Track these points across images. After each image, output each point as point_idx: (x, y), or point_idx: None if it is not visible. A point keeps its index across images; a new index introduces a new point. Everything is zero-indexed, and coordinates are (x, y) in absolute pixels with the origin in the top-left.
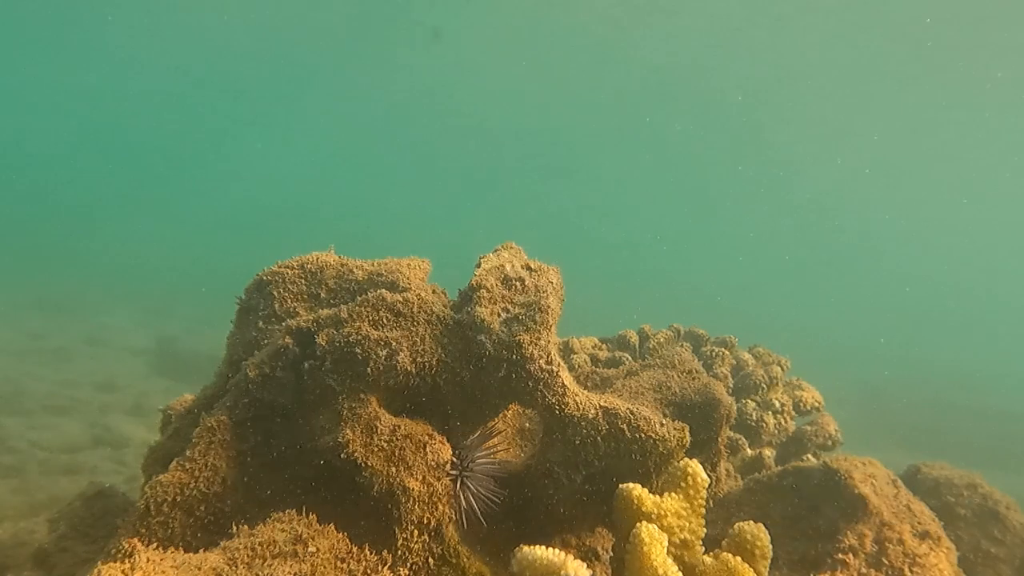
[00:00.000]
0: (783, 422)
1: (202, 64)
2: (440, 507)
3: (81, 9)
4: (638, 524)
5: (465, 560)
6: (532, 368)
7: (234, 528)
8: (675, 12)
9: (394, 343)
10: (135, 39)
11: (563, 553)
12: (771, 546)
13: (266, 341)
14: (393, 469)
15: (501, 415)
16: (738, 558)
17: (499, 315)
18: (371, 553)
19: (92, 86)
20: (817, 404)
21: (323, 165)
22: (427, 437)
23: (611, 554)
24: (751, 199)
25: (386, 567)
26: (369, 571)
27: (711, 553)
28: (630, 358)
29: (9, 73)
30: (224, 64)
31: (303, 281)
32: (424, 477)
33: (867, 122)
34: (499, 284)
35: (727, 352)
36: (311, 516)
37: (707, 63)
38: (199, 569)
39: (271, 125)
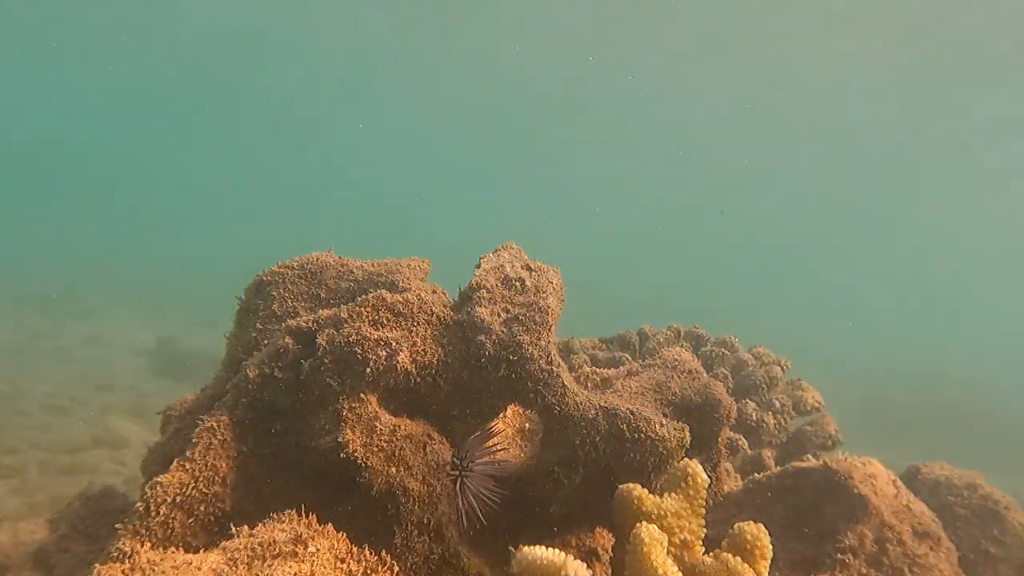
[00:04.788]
0: (783, 422)
1: (196, 64)
2: (440, 507)
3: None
4: (638, 524)
5: (465, 560)
6: (532, 368)
7: (234, 528)
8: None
9: (394, 343)
10: (137, 30)
11: (563, 553)
12: (771, 546)
13: (266, 341)
14: (393, 469)
15: (501, 415)
16: (738, 558)
17: (499, 315)
18: (371, 553)
19: (92, 83)
20: (817, 404)
21: (323, 166)
22: (427, 437)
23: (611, 554)
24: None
25: (386, 567)
26: (369, 571)
27: (711, 553)
28: (630, 358)
29: (7, 70)
30: (216, 62)
31: (303, 281)
32: (424, 477)
33: (866, 129)
34: (499, 284)
35: (727, 352)
36: (311, 516)
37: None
38: (199, 569)
39: (271, 126)
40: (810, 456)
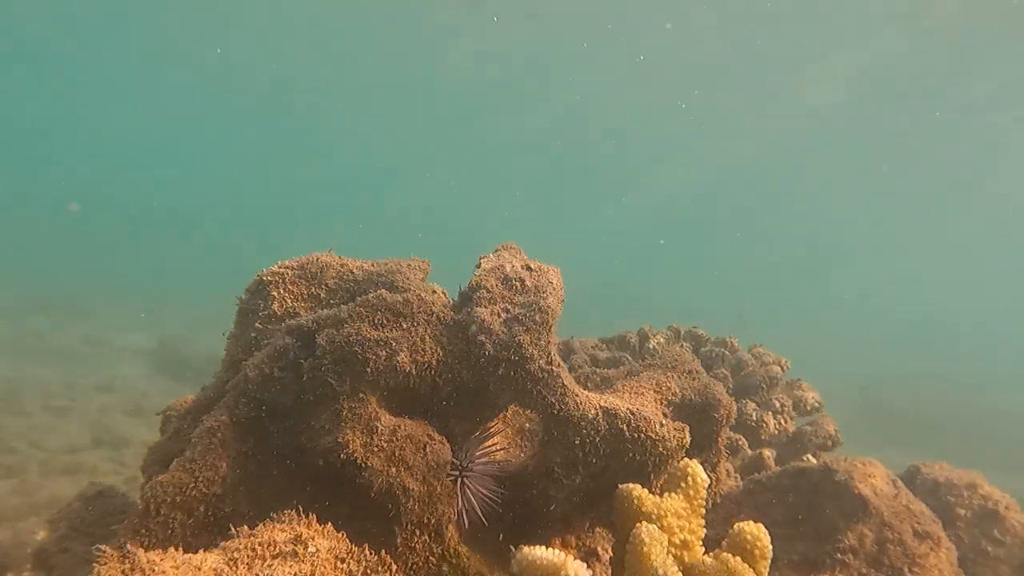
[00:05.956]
0: (783, 422)
1: (195, 63)
2: (440, 507)
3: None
4: (638, 524)
5: (465, 560)
6: (532, 368)
7: (234, 528)
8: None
9: (394, 343)
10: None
11: (563, 553)
12: (771, 546)
13: (266, 341)
14: (393, 469)
15: (501, 415)
16: (738, 558)
17: (499, 315)
18: (371, 553)
19: (90, 81)
20: (817, 404)
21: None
22: (427, 437)
23: (611, 554)
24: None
25: (386, 567)
26: (369, 571)
27: (711, 553)
28: (630, 358)
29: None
30: (216, 61)
31: (303, 282)
32: (424, 477)
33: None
34: (499, 284)
35: (727, 352)
36: (311, 516)
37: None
38: (199, 569)
39: (272, 125)
40: (810, 456)
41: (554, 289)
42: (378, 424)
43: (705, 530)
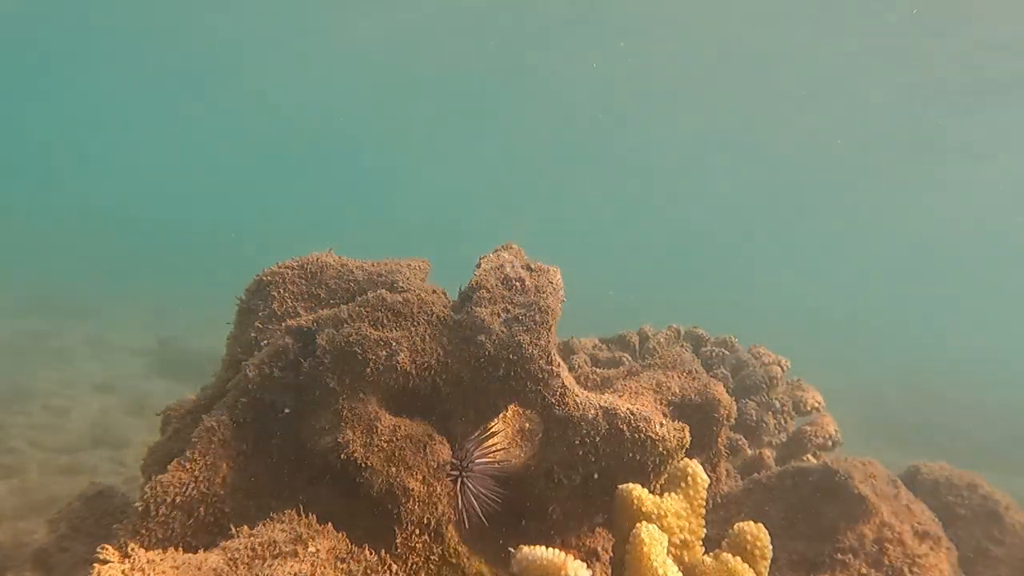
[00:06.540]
0: (783, 422)
1: (196, 62)
2: (440, 507)
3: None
4: (638, 524)
5: (465, 560)
6: (532, 368)
7: (234, 528)
8: None
9: (394, 343)
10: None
11: (563, 553)
12: (771, 546)
13: (266, 341)
14: (393, 469)
15: (501, 415)
16: (738, 558)
17: (499, 315)
18: (371, 553)
19: (91, 81)
20: (817, 404)
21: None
22: (427, 437)
23: (611, 554)
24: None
25: (386, 567)
26: (369, 571)
27: (711, 553)
28: (630, 358)
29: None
30: (218, 60)
31: (303, 282)
32: (424, 477)
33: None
34: (499, 284)
35: (727, 352)
36: (311, 516)
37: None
38: (199, 569)
39: (272, 124)
40: (810, 456)
41: (554, 289)
42: (378, 424)
43: (705, 530)
